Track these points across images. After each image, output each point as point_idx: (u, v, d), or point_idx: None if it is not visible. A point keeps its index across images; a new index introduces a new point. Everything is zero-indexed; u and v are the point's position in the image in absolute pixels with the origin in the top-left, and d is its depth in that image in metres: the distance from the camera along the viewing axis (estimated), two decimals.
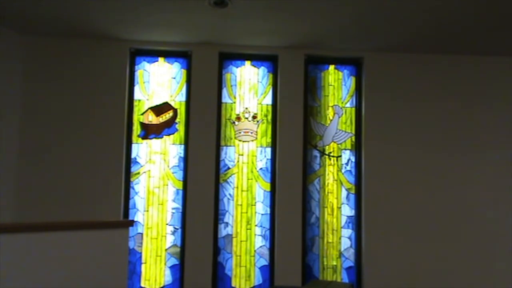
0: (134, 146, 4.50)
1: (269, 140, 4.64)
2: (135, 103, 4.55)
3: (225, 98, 4.65)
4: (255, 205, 4.57)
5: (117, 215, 4.30)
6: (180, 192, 4.50)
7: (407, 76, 4.70)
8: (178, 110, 4.59)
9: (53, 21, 4.07)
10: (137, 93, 4.57)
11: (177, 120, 4.57)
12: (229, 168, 4.59)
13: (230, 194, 4.57)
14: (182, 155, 4.53)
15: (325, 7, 3.71)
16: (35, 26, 4.17)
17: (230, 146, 4.61)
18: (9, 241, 2.49)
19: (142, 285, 4.39)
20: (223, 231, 4.52)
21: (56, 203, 4.21)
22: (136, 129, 4.53)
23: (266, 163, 4.62)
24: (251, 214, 4.56)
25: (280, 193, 4.50)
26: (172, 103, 4.59)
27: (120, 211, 4.34)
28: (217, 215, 4.49)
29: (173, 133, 4.56)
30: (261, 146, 4.63)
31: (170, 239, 4.47)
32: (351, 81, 4.79)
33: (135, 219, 4.41)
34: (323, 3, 3.63)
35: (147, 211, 4.47)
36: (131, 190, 4.46)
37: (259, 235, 4.55)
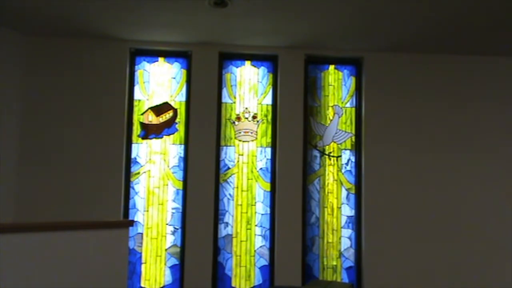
0: (134, 146, 4.50)
1: (269, 140, 4.64)
2: (135, 103, 4.55)
3: (225, 98, 4.65)
4: (255, 205, 4.57)
5: (117, 215, 4.30)
6: (180, 192, 4.50)
7: (407, 76, 4.70)
8: (178, 110, 4.59)
9: (54, 21, 4.07)
10: (137, 93, 4.57)
11: (177, 120, 4.57)
12: (229, 168, 4.59)
13: (230, 194, 4.57)
14: (182, 155, 4.53)
15: (325, 7, 3.71)
16: (35, 26, 4.18)
17: (230, 146, 4.61)
18: (9, 241, 2.49)
19: (142, 285, 4.39)
20: (223, 231, 4.52)
21: (56, 203, 4.21)
22: (136, 129, 4.53)
23: (266, 163, 4.62)
24: (251, 214, 4.56)
25: (280, 193, 4.50)
26: (172, 103, 4.59)
27: (120, 211, 4.34)
28: (217, 215, 4.49)
29: (173, 133, 4.56)
30: (261, 146, 4.63)
31: (170, 239, 4.47)
32: (351, 81, 4.79)
33: (135, 219, 4.41)
34: (323, 3, 3.63)
35: (147, 211, 4.47)
36: (131, 190, 4.46)
37: (259, 235, 4.55)
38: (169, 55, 4.62)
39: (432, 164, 4.60)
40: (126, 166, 4.44)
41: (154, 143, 4.53)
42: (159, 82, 4.61)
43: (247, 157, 4.61)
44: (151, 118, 4.55)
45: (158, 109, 4.57)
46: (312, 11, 3.78)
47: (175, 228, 4.48)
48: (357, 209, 4.62)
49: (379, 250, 4.48)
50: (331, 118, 4.74)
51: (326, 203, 4.65)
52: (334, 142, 4.71)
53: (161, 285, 4.42)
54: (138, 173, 4.49)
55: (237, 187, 4.58)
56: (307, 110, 4.68)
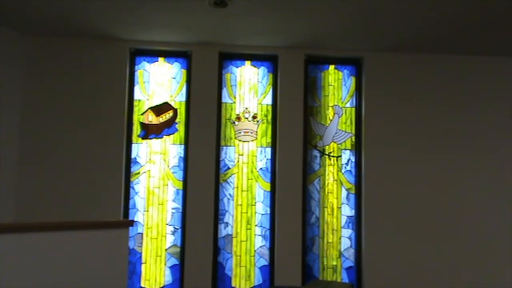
0: (134, 146, 4.50)
1: (269, 140, 4.64)
2: (135, 103, 4.55)
3: (225, 98, 4.65)
4: (255, 205, 4.57)
5: (117, 215, 4.30)
6: (180, 192, 4.50)
7: (407, 76, 4.70)
8: (178, 110, 4.59)
9: (54, 21, 4.07)
10: (137, 93, 4.57)
11: (177, 120, 4.57)
12: (229, 168, 4.59)
13: (230, 194, 4.57)
14: (182, 155, 4.53)
15: (325, 7, 3.71)
16: (35, 26, 4.17)
17: (230, 146, 4.61)
18: (9, 241, 2.49)
19: (142, 285, 4.39)
20: (223, 231, 4.52)
21: (56, 203, 4.21)
22: (136, 129, 4.53)
23: (266, 163, 4.62)
24: (251, 214, 4.56)
25: (280, 193, 4.50)
26: (172, 103, 4.59)
27: (120, 211, 4.34)
28: (217, 215, 4.49)
29: (173, 133, 4.56)
30: (261, 146, 4.63)
31: (170, 239, 4.47)
32: (351, 81, 4.79)
33: (135, 219, 4.41)
34: (323, 3, 3.63)
35: (147, 211, 4.47)
36: (131, 190, 4.46)
37: (259, 235, 4.55)
38: (169, 55, 4.62)
39: (432, 164, 4.60)
40: (126, 166, 4.44)
41: (154, 143, 4.53)
42: (159, 82, 4.61)
43: (247, 157, 4.61)
44: (151, 118, 4.55)
45: (158, 109, 4.57)
46: (312, 11, 3.79)
47: (175, 228, 4.48)
48: (357, 209, 4.62)
49: (379, 250, 4.48)
50: (331, 118, 4.74)
51: (326, 203, 4.65)
52: (334, 142, 4.71)
53: (161, 285, 4.42)
54: (138, 173, 4.49)
55: (237, 187, 4.58)
56: (307, 110, 4.68)
